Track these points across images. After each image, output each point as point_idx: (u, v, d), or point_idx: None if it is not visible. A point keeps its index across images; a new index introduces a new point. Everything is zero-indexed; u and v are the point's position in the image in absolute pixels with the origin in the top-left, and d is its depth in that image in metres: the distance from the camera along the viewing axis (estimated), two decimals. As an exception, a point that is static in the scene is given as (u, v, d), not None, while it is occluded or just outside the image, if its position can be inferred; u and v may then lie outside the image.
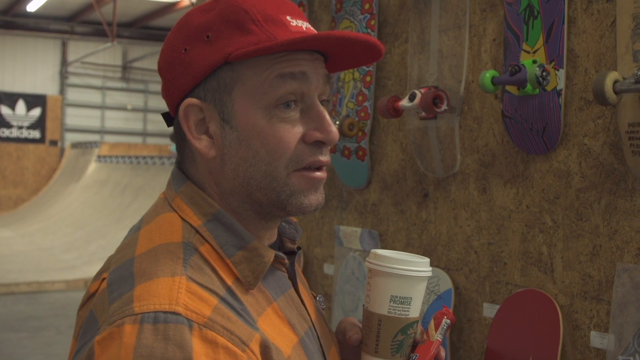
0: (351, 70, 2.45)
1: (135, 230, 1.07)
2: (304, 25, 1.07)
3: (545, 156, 1.81)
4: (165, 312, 0.89)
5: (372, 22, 2.39)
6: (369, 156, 2.39)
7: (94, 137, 20.10)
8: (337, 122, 2.35)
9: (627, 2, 1.64)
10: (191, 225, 1.04)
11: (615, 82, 1.56)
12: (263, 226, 1.11)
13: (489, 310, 1.96)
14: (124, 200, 13.37)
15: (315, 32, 1.06)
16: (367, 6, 2.42)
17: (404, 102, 2.06)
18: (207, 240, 1.03)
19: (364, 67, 2.40)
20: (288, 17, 1.05)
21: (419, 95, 2.02)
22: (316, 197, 1.08)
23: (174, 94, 1.07)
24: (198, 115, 1.05)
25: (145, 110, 21.45)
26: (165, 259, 0.97)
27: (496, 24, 1.98)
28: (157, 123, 21.12)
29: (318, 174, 1.08)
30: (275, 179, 1.05)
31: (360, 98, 2.41)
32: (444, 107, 2.02)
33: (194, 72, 1.03)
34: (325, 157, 1.08)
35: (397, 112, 2.10)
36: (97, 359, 0.88)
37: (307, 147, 1.06)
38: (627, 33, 1.64)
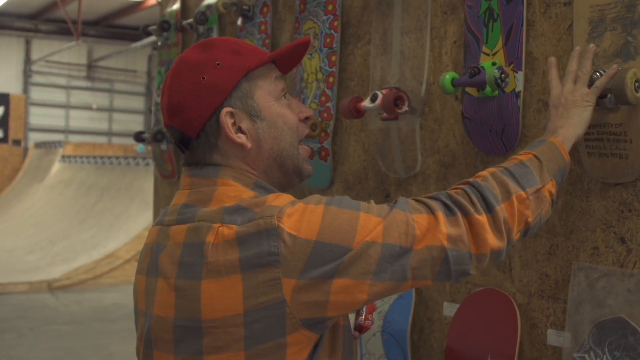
0: (314, 71, 2.46)
1: (194, 215, 1.35)
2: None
3: (504, 157, 1.83)
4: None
5: (335, 23, 2.40)
6: (331, 156, 2.40)
7: (58, 137, 19.89)
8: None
9: (584, 6, 1.67)
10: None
11: (572, 84, 1.58)
12: None
13: (449, 309, 1.98)
14: (88, 200, 13.24)
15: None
16: (330, 7, 2.43)
17: (366, 103, 2.07)
18: None
19: (327, 68, 2.41)
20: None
21: (380, 96, 2.03)
22: (311, 166, 1.51)
23: (201, 115, 1.38)
24: (231, 120, 1.39)
25: (110, 109, 21.28)
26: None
27: (457, 26, 2.00)
28: (123, 123, 20.96)
29: (309, 147, 1.52)
30: (295, 147, 1.45)
31: (323, 99, 2.42)
32: (405, 108, 2.04)
33: (221, 90, 1.38)
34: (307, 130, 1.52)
35: (359, 113, 2.11)
36: (298, 212, 1.28)
37: (302, 123, 1.48)
38: (583, 37, 1.67)
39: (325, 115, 2.41)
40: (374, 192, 2.25)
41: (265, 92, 1.43)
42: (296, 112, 1.48)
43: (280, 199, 1.31)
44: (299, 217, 1.27)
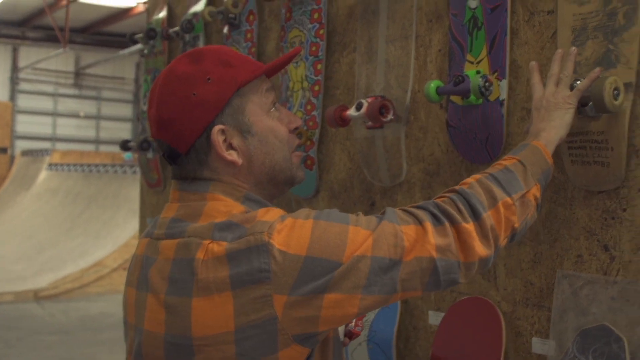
0: (300, 80, 2.46)
1: (183, 230, 1.34)
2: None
3: (489, 165, 1.83)
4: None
5: (321, 32, 2.41)
6: (317, 165, 2.40)
7: (45, 145, 19.81)
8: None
9: (567, 14, 1.68)
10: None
11: (555, 93, 1.59)
12: None
13: (434, 318, 1.98)
14: (75, 209, 13.18)
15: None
16: (316, 16, 2.43)
17: (351, 112, 2.07)
18: None
19: (313, 77, 2.41)
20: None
21: (365, 104, 2.04)
22: (303, 171, 1.52)
23: (192, 132, 1.36)
24: (222, 137, 1.37)
25: (98, 117, 21.23)
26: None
27: (442, 34, 2.01)
28: (110, 130, 20.90)
29: (301, 153, 1.55)
30: (288, 159, 1.45)
31: (308, 107, 2.42)
32: (390, 116, 2.04)
33: (212, 106, 1.36)
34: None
35: (344, 122, 2.11)
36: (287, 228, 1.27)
37: (292, 134, 1.47)
38: (566, 45, 1.68)
39: (310, 123, 2.41)
40: (360, 201, 2.25)
41: (257, 105, 1.42)
42: (286, 123, 1.46)
43: (270, 214, 1.31)
44: (289, 232, 1.26)
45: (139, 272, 1.41)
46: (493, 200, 1.38)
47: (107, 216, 11.76)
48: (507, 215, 1.39)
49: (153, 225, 1.45)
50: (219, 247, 1.27)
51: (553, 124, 1.54)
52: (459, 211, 1.34)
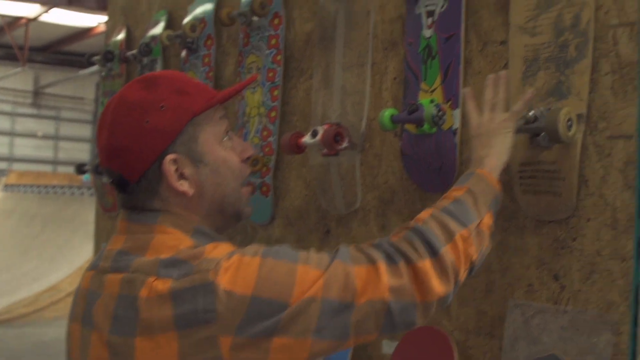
0: (257, 105, 2.45)
1: (128, 264, 1.30)
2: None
3: (442, 193, 1.84)
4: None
5: (279, 58, 2.41)
6: (273, 192, 2.39)
7: (2, 165, 19.52)
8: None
9: (519, 45, 1.70)
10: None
11: (507, 123, 1.60)
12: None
13: (388, 347, 1.97)
14: (31, 231, 12.96)
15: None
16: (273, 41, 2.43)
17: (306, 139, 2.07)
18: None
19: (270, 103, 2.41)
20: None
21: (321, 132, 2.03)
22: (251, 207, 1.49)
23: (143, 161, 1.33)
24: (174, 166, 1.34)
25: (56, 137, 21.00)
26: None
27: (397, 62, 2.02)
28: (69, 151, 20.67)
29: (251, 188, 1.56)
30: (238, 191, 1.43)
31: (265, 133, 2.42)
32: (345, 144, 2.04)
33: (165, 135, 1.32)
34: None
35: (299, 149, 2.11)
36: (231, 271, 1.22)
37: (244, 164, 1.45)
38: (518, 75, 1.70)
39: (267, 149, 2.40)
40: (315, 228, 2.24)
41: (210, 134, 1.39)
42: (238, 152, 1.44)
43: (218, 250, 1.27)
44: (235, 271, 1.22)
45: (84, 307, 1.36)
46: (449, 234, 1.34)
47: (63, 239, 11.59)
48: (465, 248, 1.35)
49: (99, 257, 1.41)
50: (163, 285, 1.23)
51: (495, 150, 1.52)
52: (415, 249, 1.30)
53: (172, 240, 1.32)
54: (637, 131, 1.49)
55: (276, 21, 2.43)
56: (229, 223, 1.46)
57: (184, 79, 1.42)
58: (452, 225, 1.36)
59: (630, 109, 1.50)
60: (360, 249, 1.31)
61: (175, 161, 1.34)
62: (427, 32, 1.90)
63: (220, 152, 1.40)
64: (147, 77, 1.42)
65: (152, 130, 1.33)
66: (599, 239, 1.54)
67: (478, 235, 1.40)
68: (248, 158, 1.47)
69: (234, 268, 1.23)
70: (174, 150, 1.34)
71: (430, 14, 1.90)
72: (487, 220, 1.44)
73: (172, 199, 1.36)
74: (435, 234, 1.33)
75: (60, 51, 19.43)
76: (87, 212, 11.56)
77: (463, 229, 1.37)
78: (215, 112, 1.41)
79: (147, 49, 3.08)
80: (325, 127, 2.06)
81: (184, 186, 1.35)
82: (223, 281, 1.21)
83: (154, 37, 3.10)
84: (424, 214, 1.40)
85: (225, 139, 1.42)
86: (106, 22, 3.88)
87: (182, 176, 1.36)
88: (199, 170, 1.37)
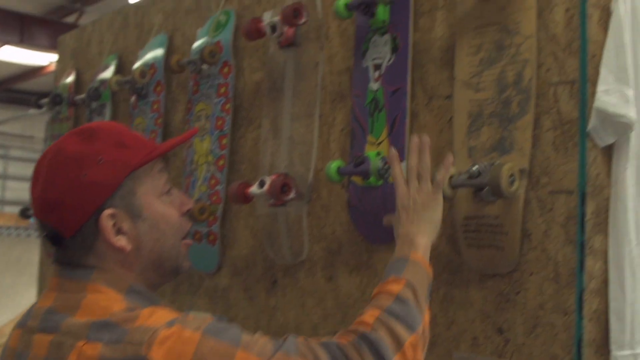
0: (205, 153, 2.45)
1: (58, 325, 1.24)
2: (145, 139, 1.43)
3: (388, 246, 1.85)
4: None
5: (227, 106, 2.41)
6: (220, 240, 2.37)
7: (-54, 205, 19.07)
8: (189, 205, 2.33)
9: (464, 100, 1.73)
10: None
11: (452, 177, 1.62)
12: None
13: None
14: (-25, 272, 12.64)
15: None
16: (222, 90, 2.43)
17: (254, 189, 2.06)
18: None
19: (218, 151, 2.40)
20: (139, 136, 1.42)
21: (268, 182, 2.03)
22: (189, 262, 1.43)
23: (80, 216, 1.28)
24: (111, 221, 1.29)
25: (4, 177, 20.61)
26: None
27: (344, 114, 2.03)
28: (17, 191, 20.28)
29: (190, 241, 1.43)
30: (177, 247, 1.37)
31: (212, 182, 2.40)
32: (292, 195, 2.04)
33: (103, 189, 1.28)
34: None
35: (247, 198, 2.10)
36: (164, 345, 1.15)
37: (184, 218, 1.40)
38: (463, 130, 1.72)
39: (214, 198, 2.39)
40: (262, 278, 2.23)
41: (149, 188, 1.34)
42: (177, 205, 1.38)
43: (155, 317, 1.20)
44: (171, 346, 1.15)
45: None
46: (399, 343, 1.28)
47: (8, 282, 11.31)
48: (413, 356, 1.30)
49: (27, 314, 1.35)
50: (92, 351, 1.18)
51: (425, 228, 1.48)
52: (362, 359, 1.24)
53: (104, 300, 1.26)
54: (578, 187, 1.52)
55: (226, 70, 2.44)
56: (166, 278, 1.40)
57: (123, 131, 1.38)
58: (401, 331, 1.29)
59: (571, 164, 1.53)
60: (309, 346, 1.24)
61: (113, 216, 1.29)
62: (374, 85, 1.92)
63: (159, 206, 1.35)
64: (85, 128, 1.37)
65: (89, 184, 1.28)
66: (541, 293, 1.55)
67: (423, 337, 1.35)
68: (188, 211, 1.41)
69: (172, 342, 1.16)
70: (111, 204, 1.29)
71: (377, 67, 1.93)
72: (427, 317, 1.39)
73: (109, 255, 1.31)
74: (385, 343, 1.26)
75: (10, 89, 19.17)
76: (32, 254, 11.31)
77: (411, 334, 1.31)
78: (154, 166, 1.36)
79: (96, 93, 3.07)
80: (273, 177, 2.06)
81: (121, 241, 1.30)
82: (156, 357, 1.14)
83: (103, 82, 3.08)
84: (370, 317, 1.31)
85: (164, 192, 1.37)
86: (56, 65, 3.85)
87: (119, 231, 1.30)
88: (138, 225, 1.32)
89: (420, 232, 1.47)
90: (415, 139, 1.55)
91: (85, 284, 1.29)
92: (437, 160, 1.77)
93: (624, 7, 1.57)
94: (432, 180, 1.51)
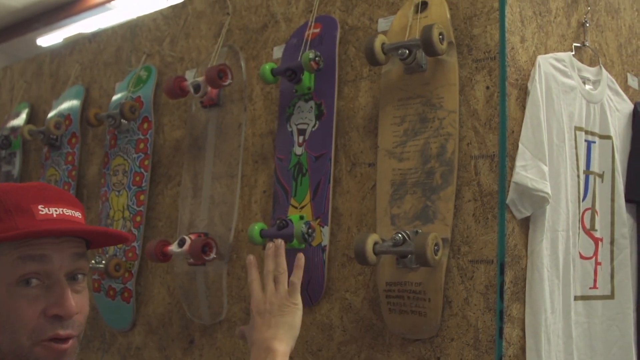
0: (121, 209, 2.41)
1: None
2: (56, 212, 1.17)
3: (310, 309, 1.86)
4: None
5: (146, 162, 2.39)
6: (134, 297, 2.33)
7: None
8: (103, 262, 2.28)
9: (387, 169, 1.78)
10: None
11: (375, 243, 1.65)
12: None
13: None
14: None
15: (66, 215, 1.17)
16: (141, 145, 2.41)
17: (173, 247, 2.05)
18: None
19: (135, 207, 2.37)
20: (40, 206, 1.16)
21: (188, 241, 2.02)
22: None
23: None
24: None
25: None
26: None
27: (267, 176, 2.05)
28: None
29: (63, 346, 1.14)
30: (21, 346, 1.11)
31: (129, 238, 2.37)
32: (213, 255, 2.03)
33: None
34: (65, 331, 1.14)
35: (165, 257, 2.08)
36: None
37: (48, 321, 1.12)
38: (385, 197, 1.76)
39: (130, 255, 2.35)
40: (178, 338, 2.19)
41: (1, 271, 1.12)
42: (42, 306, 1.12)
43: None
44: None
45: None
46: None
47: None
48: None
49: None
50: None
51: (283, 333, 1.42)
52: None
53: None
54: (497, 257, 1.57)
55: (145, 125, 2.43)
56: None
57: (23, 196, 1.16)
58: None
59: (491, 235, 1.59)
60: None
61: None
62: (298, 150, 1.95)
63: (4, 298, 1.11)
64: None
65: None
66: (462, 359, 1.59)
67: None
68: (59, 316, 1.13)
69: None
70: None
71: (301, 132, 1.96)
72: None
73: None
74: None
75: None
76: None
77: None
78: (17, 248, 1.12)
79: (6, 141, 2.99)
80: (193, 237, 2.05)
81: None
82: None
83: (14, 129, 3.01)
84: None
85: (22, 284, 1.12)
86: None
87: None
88: None
89: (278, 338, 1.41)
90: (270, 245, 1.54)
91: None
92: (358, 225, 1.81)
93: (540, 87, 1.67)
94: (289, 285, 1.50)
